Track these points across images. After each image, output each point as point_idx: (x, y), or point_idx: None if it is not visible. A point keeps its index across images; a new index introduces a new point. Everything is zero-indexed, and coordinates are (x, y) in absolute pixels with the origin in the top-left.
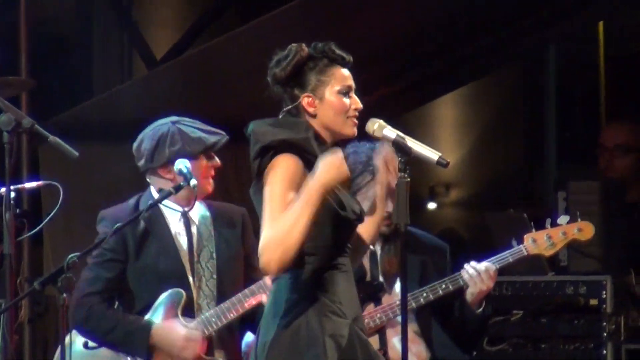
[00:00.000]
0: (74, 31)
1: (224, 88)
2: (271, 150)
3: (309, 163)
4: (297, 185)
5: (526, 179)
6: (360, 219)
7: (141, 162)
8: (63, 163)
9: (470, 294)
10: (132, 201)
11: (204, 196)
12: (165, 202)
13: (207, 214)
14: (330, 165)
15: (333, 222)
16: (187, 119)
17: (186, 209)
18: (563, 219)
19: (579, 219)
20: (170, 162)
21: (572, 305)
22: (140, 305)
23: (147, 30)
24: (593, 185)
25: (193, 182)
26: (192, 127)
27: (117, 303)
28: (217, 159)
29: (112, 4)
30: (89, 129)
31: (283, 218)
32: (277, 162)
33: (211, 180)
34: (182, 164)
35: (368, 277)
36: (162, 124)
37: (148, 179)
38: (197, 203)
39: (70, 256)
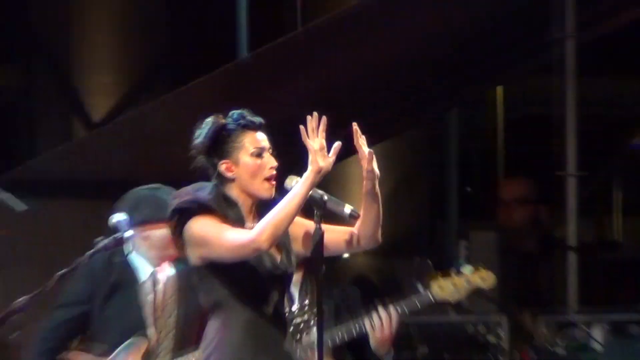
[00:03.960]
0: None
1: (157, 150)
2: (184, 213)
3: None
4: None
5: (431, 230)
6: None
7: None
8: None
9: (373, 340)
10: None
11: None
12: (141, 253)
13: (172, 272)
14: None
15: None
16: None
17: (157, 269)
18: (467, 269)
19: (481, 269)
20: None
21: (473, 343)
22: (101, 349)
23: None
24: (490, 235)
25: (128, 233)
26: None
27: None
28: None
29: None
30: (35, 185)
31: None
32: (195, 222)
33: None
34: (116, 218)
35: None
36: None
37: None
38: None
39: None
